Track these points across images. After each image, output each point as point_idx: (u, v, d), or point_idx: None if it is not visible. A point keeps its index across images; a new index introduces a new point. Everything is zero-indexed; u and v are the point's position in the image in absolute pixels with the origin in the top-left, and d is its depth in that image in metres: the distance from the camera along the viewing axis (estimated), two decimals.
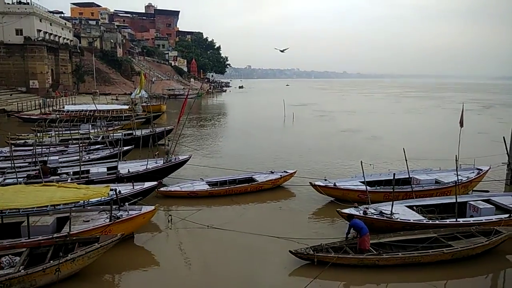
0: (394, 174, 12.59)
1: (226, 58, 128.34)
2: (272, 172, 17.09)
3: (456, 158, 14.13)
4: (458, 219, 11.35)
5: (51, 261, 8.58)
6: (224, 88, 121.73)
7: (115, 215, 10.88)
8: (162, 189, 15.43)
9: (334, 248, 10.09)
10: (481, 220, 11.32)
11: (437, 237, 10.50)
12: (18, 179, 14.00)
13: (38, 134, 22.95)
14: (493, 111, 56.30)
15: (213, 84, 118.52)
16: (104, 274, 9.56)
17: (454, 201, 11.60)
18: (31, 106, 44.15)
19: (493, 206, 12.15)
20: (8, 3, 55.76)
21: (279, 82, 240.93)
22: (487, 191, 14.79)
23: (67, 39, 69.95)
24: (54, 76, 62.82)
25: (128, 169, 15.94)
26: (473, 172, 15.82)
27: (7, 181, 14.31)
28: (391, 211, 11.50)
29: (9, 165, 15.98)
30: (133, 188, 13.50)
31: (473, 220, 11.38)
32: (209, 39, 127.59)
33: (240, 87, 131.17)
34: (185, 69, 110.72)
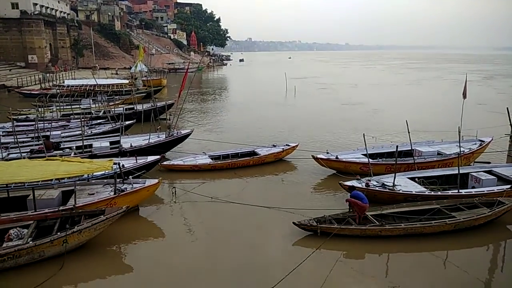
0: (397, 146, 12.57)
1: (226, 30, 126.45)
2: (274, 146, 17.10)
3: (458, 129, 14.08)
4: (460, 190, 11.43)
5: (59, 233, 8.74)
6: (225, 62, 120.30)
7: (119, 188, 10.99)
8: (165, 163, 15.51)
9: (337, 220, 10.20)
10: (483, 191, 11.38)
11: (440, 208, 10.58)
12: (22, 154, 14.08)
13: (40, 109, 22.88)
14: (493, 82, 55.98)
15: (213, 58, 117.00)
16: (110, 245, 9.75)
17: (456, 172, 11.64)
18: (31, 81, 43.82)
19: (495, 177, 12.20)
20: None
21: (280, 54, 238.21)
22: (489, 163, 14.80)
23: (64, 13, 68.62)
24: (52, 50, 62.04)
25: (131, 144, 15.99)
26: (475, 144, 15.81)
27: (11, 155, 14.37)
28: (393, 183, 11.57)
29: (12, 140, 16.05)
30: (136, 162, 13.58)
31: (475, 191, 11.44)
32: (209, 11, 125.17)
33: (240, 60, 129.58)
34: (185, 42, 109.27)
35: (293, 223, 10.12)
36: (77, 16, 75.70)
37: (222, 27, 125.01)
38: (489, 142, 15.88)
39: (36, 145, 15.87)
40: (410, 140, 14.88)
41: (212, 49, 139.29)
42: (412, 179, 12.41)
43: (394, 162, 12.27)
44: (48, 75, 48.08)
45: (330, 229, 9.74)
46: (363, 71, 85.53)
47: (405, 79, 61.54)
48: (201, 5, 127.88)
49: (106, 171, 10.97)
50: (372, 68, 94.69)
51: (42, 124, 18.69)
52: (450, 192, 11.49)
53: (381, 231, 9.75)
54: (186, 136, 17.75)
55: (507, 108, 14.22)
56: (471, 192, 11.47)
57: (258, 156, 16.32)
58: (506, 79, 61.51)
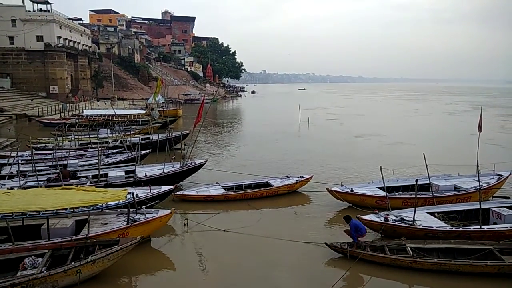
0: (416, 180, 12.27)
1: (241, 63, 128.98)
2: (288, 177, 16.97)
3: (477, 163, 13.81)
4: (482, 226, 11.02)
5: (73, 263, 8.68)
6: (240, 93, 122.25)
7: (132, 218, 10.97)
8: (178, 192, 15.50)
9: (372, 247, 10.12)
10: (506, 227, 10.97)
11: (492, 250, 9.89)
12: (39, 182, 14.29)
13: (58, 138, 23.43)
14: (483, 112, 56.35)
15: (228, 89, 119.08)
16: (121, 276, 9.63)
17: (476, 207, 11.30)
18: (51, 111, 45.10)
19: None
20: (29, 11, 57.40)
21: (294, 86, 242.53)
22: (508, 198, 14.39)
23: (86, 46, 71.43)
24: (73, 81, 64.15)
25: (145, 173, 16.08)
26: (493, 178, 15.40)
27: (28, 184, 14.60)
28: (413, 218, 11.25)
29: (30, 168, 16.33)
30: (150, 191, 13.60)
31: (498, 228, 11.04)
32: (225, 44, 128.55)
33: (252, 92, 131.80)
34: (201, 74, 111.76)
35: (325, 243, 10.37)
36: (98, 48, 78.59)
37: (237, 60, 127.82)
38: (508, 176, 15.46)
39: (53, 173, 16.11)
40: (428, 174, 14.58)
41: (227, 81, 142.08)
42: (432, 213, 12.04)
43: (412, 196, 12.00)
44: (68, 105, 49.53)
45: (360, 254, 9.73)
46: (364, 102, 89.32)
47: (402, 109, 64.40)
48: (217, 39, 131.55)
49: (120, 201, 11.00)
50: (372, 99, 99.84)
51: (60, 153, 19.04)
52: (472, 228, 11.07)
53: (411, 263, 9.47)
54: (200, 166, 17.81)
55: None
56: (494, 228, 11.06)
57: (271, 187, 16.20)
58: (491, 109, 63.50)
